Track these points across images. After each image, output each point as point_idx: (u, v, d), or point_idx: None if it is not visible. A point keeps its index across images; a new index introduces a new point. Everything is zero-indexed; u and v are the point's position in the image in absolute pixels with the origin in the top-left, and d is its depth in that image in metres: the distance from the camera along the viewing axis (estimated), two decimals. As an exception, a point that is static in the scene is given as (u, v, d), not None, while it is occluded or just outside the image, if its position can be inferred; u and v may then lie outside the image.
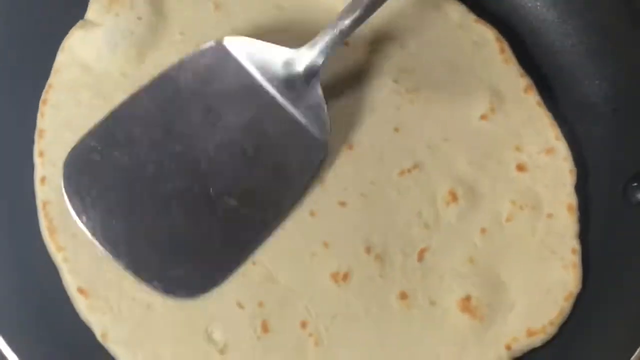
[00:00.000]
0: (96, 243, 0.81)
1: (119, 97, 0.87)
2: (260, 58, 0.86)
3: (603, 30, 0.92)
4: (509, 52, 0.93)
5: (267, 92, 0.86)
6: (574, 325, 0.83)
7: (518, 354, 0.82)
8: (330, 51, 0.84)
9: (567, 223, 0.86)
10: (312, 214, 0.85)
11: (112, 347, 0.79)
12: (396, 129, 0.89)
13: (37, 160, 0.85)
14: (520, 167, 0.88)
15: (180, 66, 0.87)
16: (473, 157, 0.88)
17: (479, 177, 0.88)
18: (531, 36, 0.96)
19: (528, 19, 0.96)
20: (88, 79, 0.88)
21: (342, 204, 0.86)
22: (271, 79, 0.86)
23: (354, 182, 0.86)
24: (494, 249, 0.85)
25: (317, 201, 0.85)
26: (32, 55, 0.88)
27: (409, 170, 0.87)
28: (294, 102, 0.86)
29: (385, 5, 0.84)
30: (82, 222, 0.81)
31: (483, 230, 0.86)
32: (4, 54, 0.87)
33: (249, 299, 0.81)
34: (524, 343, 0.82)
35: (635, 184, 0.86)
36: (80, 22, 0.90)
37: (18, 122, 0.86)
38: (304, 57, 0.84)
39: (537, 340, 0.82)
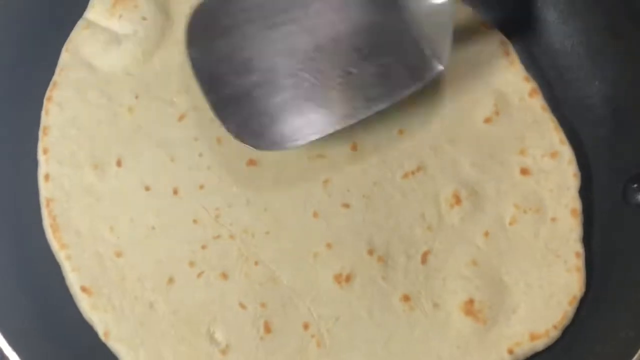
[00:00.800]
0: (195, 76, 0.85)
1: (124, 96, 0.88)
2: None
3: (603, 30, 0.92)
4: (513, 55, 0.93)
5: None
6: (575, 328, 0.82)
7: (521, 358, 0.82)
8: None
9: (571, 227, 0.86)
10: (315, 215, 0.85)
11: (114, 345, 0.79)
12: (400, 131, 0.89)
13: (41, 157, 0.85)
14: (524, 171, 0.88)
15: None
16: (477, 159, 0.88)
17: (482, 180, 0.87)
18: (531, 37, 0.95)
19: (528, 20, 0.96)
20: (93, 78, 0.88)
21: (346, 205, 0.85)
22: None
23: (357, 184, 0.86)
24: (497, 252, 0.85)
25: (320, 202, 0.85)
26: (34, 52, 0.89)
27: (412, 173, 0.87)
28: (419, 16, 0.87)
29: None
30: (189, 53, 0.85)
31: (486, 233, 0.85)
32: (6, 50, 0.87)
33: (251, 300, 0.81)
34: (527, 347, 0.81)
35: (635, 185, 0.85)
36: (85, 22, 0.90)
37: (21, 118, 0.86)
38: None
39: (540, 344, 0.82)
